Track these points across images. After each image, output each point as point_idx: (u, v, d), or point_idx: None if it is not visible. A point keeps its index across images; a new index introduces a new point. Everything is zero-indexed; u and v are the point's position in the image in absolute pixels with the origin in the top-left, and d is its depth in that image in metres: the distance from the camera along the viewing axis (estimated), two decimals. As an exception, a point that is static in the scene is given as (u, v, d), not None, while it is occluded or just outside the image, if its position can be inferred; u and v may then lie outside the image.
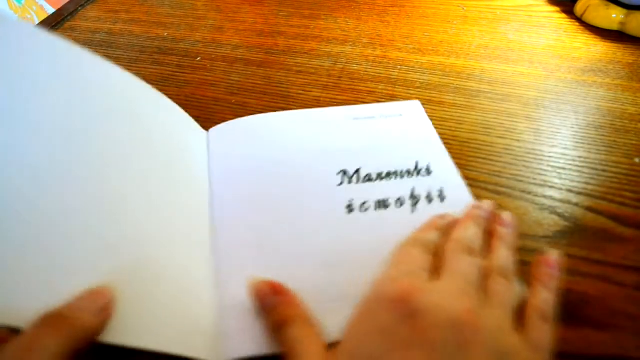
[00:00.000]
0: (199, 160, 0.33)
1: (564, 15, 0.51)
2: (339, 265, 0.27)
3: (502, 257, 0.24)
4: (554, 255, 0.25)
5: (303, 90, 0.41)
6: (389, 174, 0.32)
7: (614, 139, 0.35)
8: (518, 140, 0.35)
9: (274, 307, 0.24)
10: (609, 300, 0.26)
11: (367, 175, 0.32)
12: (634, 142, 0.35)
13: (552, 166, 0.33)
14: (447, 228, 0.26)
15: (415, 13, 0.52)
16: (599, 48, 0.45)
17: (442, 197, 0.31)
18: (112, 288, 0.21)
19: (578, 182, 0.32)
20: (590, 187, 0.32)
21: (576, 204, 0.31)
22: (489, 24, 0.50)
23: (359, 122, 0.37)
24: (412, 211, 0.30)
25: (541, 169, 0.33)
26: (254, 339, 0.23)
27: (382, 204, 0.30)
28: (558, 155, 0.34)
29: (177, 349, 0.22)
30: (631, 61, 0.43)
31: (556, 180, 0.32)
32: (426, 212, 0.29)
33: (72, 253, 0.22)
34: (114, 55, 0.46)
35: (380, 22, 0.51)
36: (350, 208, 0.30)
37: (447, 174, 0.32)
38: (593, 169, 0.33)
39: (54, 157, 0.23)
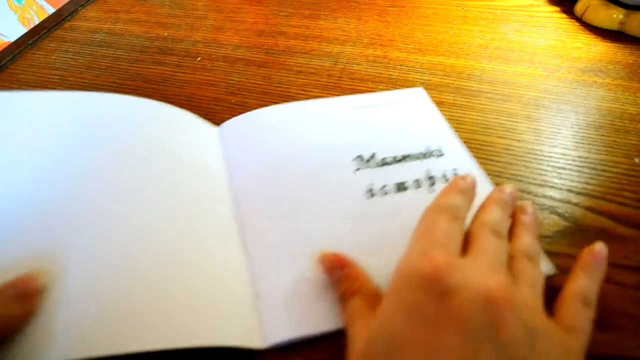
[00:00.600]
0: (214, 156, 0.33)
1: (564, 15, 0.51)
2: (366, 250, 0.27)
3: (526, 242, 0.24)
4: (600, 247, 0.24)
5: (303, 90, 0.41)
6: (403, 157, 0.33)
7: (614, 139, 0.35)
8: (518, 140, 0.35)
9: (339, 280, 0.24)
10: (609, 300, 0.25)
11: (382, 159, 0.32)
12: (634, 142, 0.35)
13: (552, 166, 0.33)
14: (469, 190, 0.25)
15: (415, 13, 0.52)
16: (599, 48, 0.45)
17: None
18: (45, 272, 0.22)
19: (578, 182, 0.32)
20: (590, 187, 0.32)
21: (576, 204, 0.31)
22: (489, 24, 0.50)
23: (365, 110, 0.37)
24: (430, 192, 0.30)
25: (541, 169, 0.33)
26: (292, 323, 0.24)
27: (401, 187, 0.31)
28: (558, 155, 0.34)
29: (219, 341, 0.22)
30: (631, 61, 0.43)
31: (556, 180, 0.32)
32: None
33: (107, 258, 0.23)
34: (114, 55, 0.46)
35: (380, 22, 0.51)
36: (371, 192, 0.30)
37: (458, 155, 0.33)
38: (593, 169, 0.33)
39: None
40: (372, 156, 0.33)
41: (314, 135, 0.35)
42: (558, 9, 0.52)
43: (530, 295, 0.21)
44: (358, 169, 0.32)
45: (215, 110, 0.39)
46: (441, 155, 0.33)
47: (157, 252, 0.25)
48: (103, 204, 0.26)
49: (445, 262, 0.20)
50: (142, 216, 0.26)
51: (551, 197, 0.31)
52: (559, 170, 0.33)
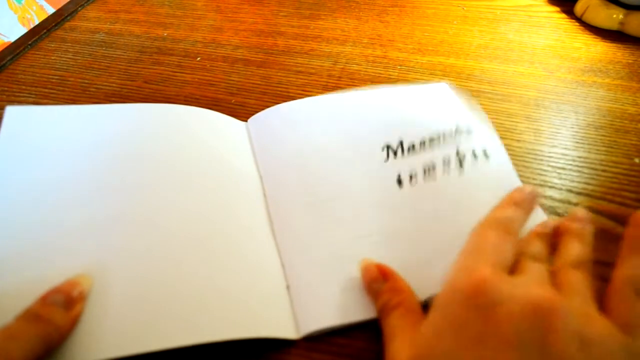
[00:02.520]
0: (244, 151, 0.34)
1: (564, 15, 0.51)
2: (398, 241, 0.27)
3: (574, 250, 0.23)
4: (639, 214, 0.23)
5: (303, 90, 0.41)
6: (432, 140, 0.32)
7: (614, 139, 0.35)
8: (518, 141, 0.35)
9: (381, 292, 0.24)
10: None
11: (411, 145, 0.32)
12: (634, 142, 0.35)
13: (552, 166, 0.33)
14: (525, 202, 0.25)
15: (415, 13, 0.52)
16: (599, 48, 0.45)
17: (486, 155, 0.32)
18: (88, 276, 0.23)
19: (578, 182, 0.32)
20: (590, 187, 0.32)
21: (576, 204, 0.31)
22: (489, 24, 0.50)
23: (390, 100, 0.37)
24: (460, 174, 0.30)
25: (541, 169, 0.33)
26: (325, 313, 0.25)
27: (430, 170, 0.31)
28: (558, 155, 0.34)
29: (257, 333, 0.23)
30: (631, 61, 0.43)
31: (556, 181, 0.32)
32: (474, 172, 0.30)
33: (149, 258, 0.25)
34: (114, 55, 0.46)
35: (380, 22, 0.51)
36: (400, 182, 0.30)
37: (487, 135, 0.34)
38: (593, 169, 0.33)
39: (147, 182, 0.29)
40: (400, 144, 0.32)
41: (341, 127, 0.35)
42: (558, 9, 0.52)
43: (581, 302, 0.20)
44: (387, 159, 0.32)
45: (215, 111, 0.39)
46: (470, 132, 0.33)
47: (196, 250, 0.26)
48: (145, 207, 0.27)
49: (490, 275, 0.19)
50: (182, 217, 0.27)
51: (551, 197, 0.31)
52: (558, 171, 0.33)
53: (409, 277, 0.25)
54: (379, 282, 0.24)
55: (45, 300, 0.21)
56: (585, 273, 0.22)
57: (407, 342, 0.21)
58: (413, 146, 0.32)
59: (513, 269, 0.22)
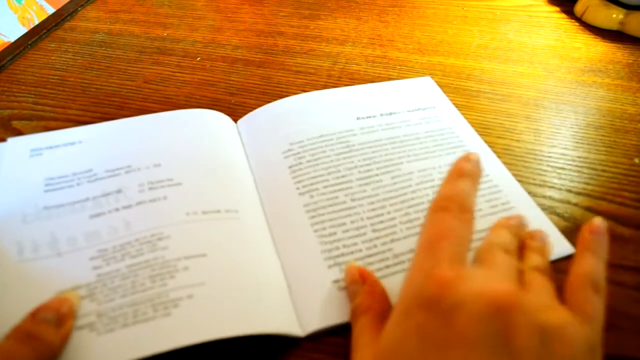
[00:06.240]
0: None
1: (563, 15, 0.51)
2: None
3: (536, 259, 0.23)
4: (599, 222, 0.23)
5: (303, 91, 0.41)
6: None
7: (614, 139, 0.35)
8: (517, 141, 0.35)
9: (357, 294, 0.24)
10: (609, 300, 0.25)
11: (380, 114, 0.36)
12: (633, 142, 0.35)
13: (552, 166, 0.33)
14: (475, 172, 0.23)
15: (414, 13, 0.52)
16: (599, 48, 0.45)
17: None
18: (76, 293, 0.23)
19: (577, 182, 0.32)
20: (589, 187, 0.32)
21: (576, 204, 0.31)
22: (488, 24, 0.50)
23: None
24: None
25: (540, 169, 0.33)
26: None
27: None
28: (557, 156, 0.34)
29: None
30: (631, 61, 0.43)
31: (555, 181, 0.32)
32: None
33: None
34: (114, 55, 0.46)
35: (380, 22, 0.51)
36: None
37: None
38: (593, 169, 0.33)
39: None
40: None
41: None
42: (558, 9, 0.52)
43: (542, 296, 0.20)
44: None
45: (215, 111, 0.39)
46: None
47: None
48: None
49: (450, 278, 0.19)
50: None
51: (550, 198, 0.31)
52: (558, 171, 0.33)
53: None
54: (357, 284, 0.24)
55: (35, 317, 0.21)
56: (549, 278, 0.22)
57: (370, 346, 0.20)
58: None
59: (479, 256, 0.22)
